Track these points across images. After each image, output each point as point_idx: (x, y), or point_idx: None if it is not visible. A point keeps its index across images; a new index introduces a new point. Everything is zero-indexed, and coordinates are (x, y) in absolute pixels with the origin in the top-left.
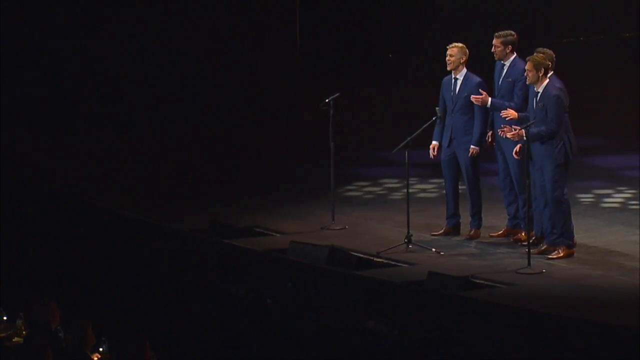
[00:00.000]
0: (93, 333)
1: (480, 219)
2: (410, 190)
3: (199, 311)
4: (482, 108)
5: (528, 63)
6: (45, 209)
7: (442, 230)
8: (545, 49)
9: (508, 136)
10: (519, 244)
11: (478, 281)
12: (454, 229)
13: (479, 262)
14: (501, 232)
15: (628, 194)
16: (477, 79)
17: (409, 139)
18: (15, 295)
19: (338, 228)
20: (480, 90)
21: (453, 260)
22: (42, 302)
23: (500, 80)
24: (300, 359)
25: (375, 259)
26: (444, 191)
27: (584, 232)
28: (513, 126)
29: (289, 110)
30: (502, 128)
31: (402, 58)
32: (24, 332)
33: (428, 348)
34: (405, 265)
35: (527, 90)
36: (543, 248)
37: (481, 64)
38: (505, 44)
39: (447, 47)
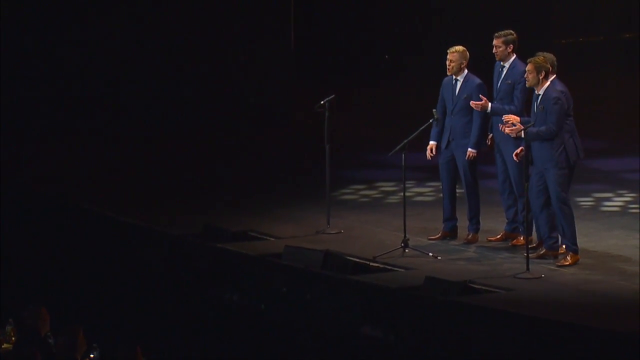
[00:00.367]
0: (84, 339)
1: (478, 222)
2: (407, 194)
3: (192, 317)
4: (481, 111)
5: (529, 65)
6: (35, 213)
7: (439, 234)
8: (546, 53)
9: (507, 132)
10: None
11: (476, 286)
12: (451, 233)
13: (477, 266)
14: (499, 236)
15: (628, 197)
16: (477, 80)
17: (405, 141)
18: (5, 301)
19: (333, 232)
20: (480, 95)
21: (450, 265)
22: (32, 307)
23: (499, 82)
24: None
25: (371, 264)
26: (441, 194)
27: (584, 237)
28: (512, 120)
29: (283, 112)
30: (503, 123)
31: (398, 59)
32: (13, 338)
33: (425, 354)
34: (402, 270)
35: (527, 94)
36: (542, 252)
37: (480, 64)
38: (506, 43)
39: (448, 51)
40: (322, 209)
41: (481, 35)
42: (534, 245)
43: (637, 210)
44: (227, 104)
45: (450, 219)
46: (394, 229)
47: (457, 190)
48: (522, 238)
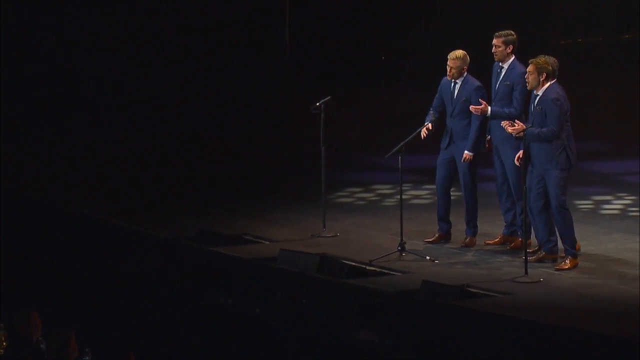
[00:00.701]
0: (76, 344)
1: (475, 226)
2: (404, 197)
3: (186, 321)
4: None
5: (530, 66)
6: (26, 217)
7: (435, 237)
8: (548, 57)
9: (509, 130)
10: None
11: (474, 290)
12: (446, 235)
13: (474, 270)
14: (497, 239)
15: (628, 200)
16: (475, 83)
17: (402, 143)
18: None
19: (329, 235)
20: (480, 99)
21: (448, 269)
22: (23, 312)
23: (498, 83)
24: None
25: (367, 267)
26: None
27: (583, 240)
28: (516, 120)
29: (278, 114)
30: (500, 131)
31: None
32: (4, 344)
33: (422, 359)
34: (399, 274)
35: (526, 96)
36: (541, 255)
37: (480, 65)
38: (506, 43)
39: (448, 57)
40: (318, 212)
41: (481, 36)
42: (533, 249)
43: (637, 214)
44: (222, 107)
45: (444, 219)
46: (391, 232)
47: (454, 194)
48: (520, 241)
